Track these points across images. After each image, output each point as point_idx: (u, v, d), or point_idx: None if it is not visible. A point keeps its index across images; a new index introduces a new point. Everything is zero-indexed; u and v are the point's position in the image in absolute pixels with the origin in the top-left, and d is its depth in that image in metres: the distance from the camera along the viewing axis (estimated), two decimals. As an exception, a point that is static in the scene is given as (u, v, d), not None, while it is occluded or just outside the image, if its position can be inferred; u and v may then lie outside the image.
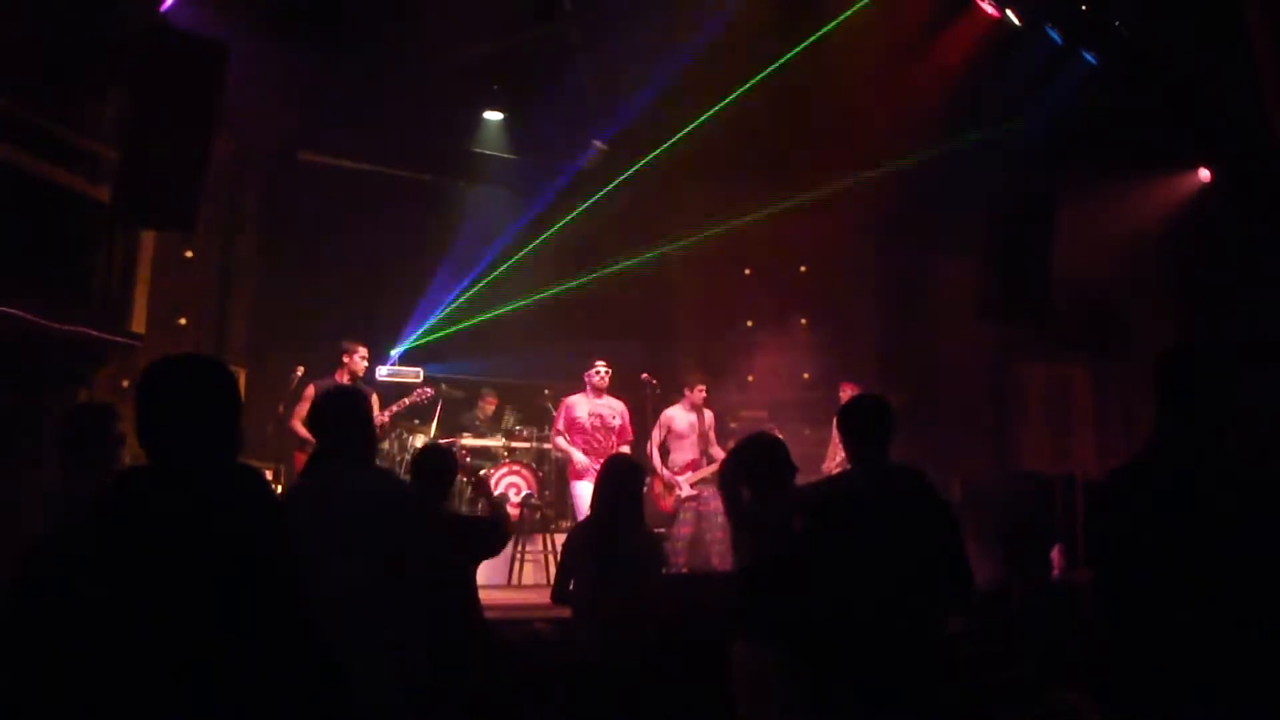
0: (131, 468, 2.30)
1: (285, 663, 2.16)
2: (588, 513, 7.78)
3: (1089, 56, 9.09)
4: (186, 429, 2.24)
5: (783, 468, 4.52)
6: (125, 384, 8.08)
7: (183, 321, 9.13)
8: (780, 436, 4.98)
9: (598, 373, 8.59)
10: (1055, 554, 8.51)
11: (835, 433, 9.70)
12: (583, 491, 8.16)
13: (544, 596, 8.45)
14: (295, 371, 8.45)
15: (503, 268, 11.56)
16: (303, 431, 7.80)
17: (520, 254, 11.62)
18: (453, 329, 11.36)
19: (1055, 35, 9.02)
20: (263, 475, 2.89)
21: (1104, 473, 3.12)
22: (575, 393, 8.78)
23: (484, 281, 11.54)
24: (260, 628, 2.13)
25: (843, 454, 9.50)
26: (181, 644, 2.04)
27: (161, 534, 2.10)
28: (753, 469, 4.54)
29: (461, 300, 11.46)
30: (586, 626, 4.95)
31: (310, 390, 8.13)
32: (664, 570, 5.39)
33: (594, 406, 8.61)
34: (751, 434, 4.74)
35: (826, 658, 3.74)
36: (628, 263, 11.04)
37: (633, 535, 5.00)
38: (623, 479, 5.11)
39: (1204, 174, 9.28)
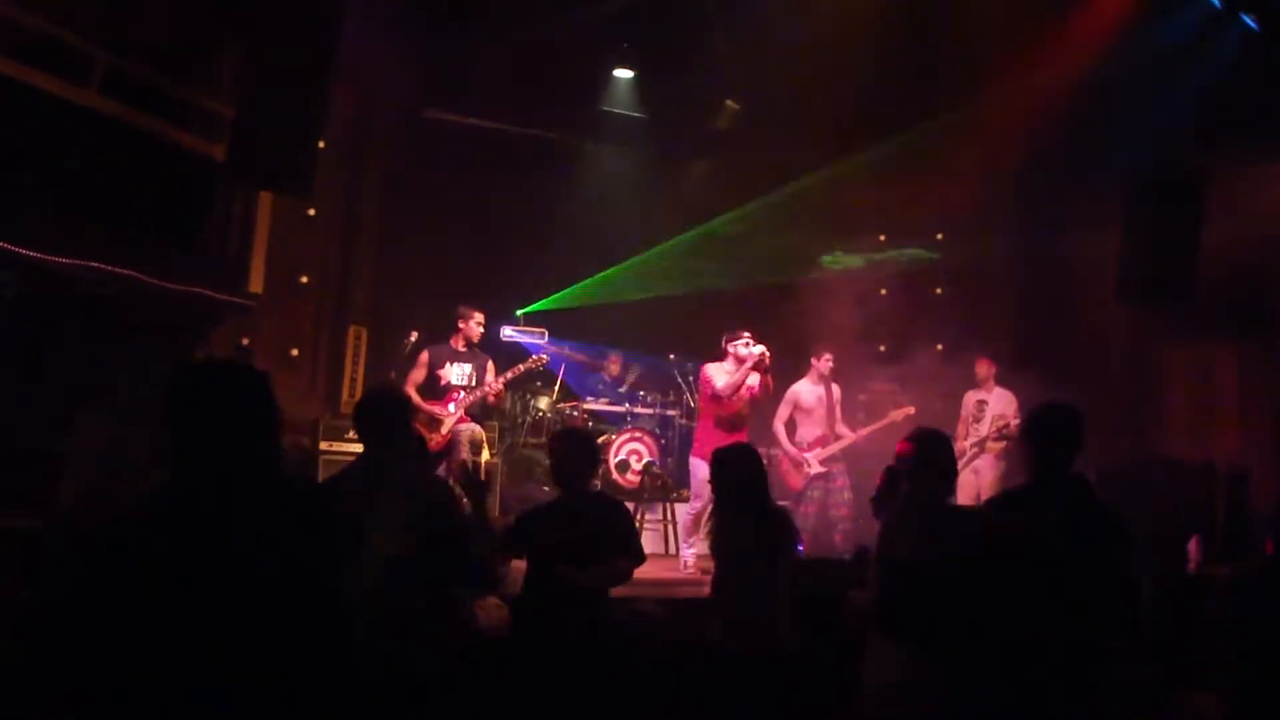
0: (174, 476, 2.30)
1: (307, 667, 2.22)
2: (706, 491, 7.60)
3: (1249, 20, 8.39)
4: (215, 439, 2.27)
5: (947, 470, 4.24)
6: (245, 341, 8.17)
7: (304, 280, 9.20)
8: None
9: (735, 344, 7.81)
10: (1192, 546, 8.10)
11: (966, 409, 9.27)
12: (696, 470, 7.81)
13: (662, 569, 8.26)
14: (409, 337, 8.35)
15: (643, 256, 11.43)
16: (415, 398, 7.70)
17: (659, 248, 11.47)
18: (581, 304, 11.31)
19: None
20: (300, 485, 2.81)
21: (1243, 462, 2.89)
22: (713, 360, 7.99)
23: (621, 266, 11.39)
24: (283, 635, 2.19)
25: (975, 431, 9.07)
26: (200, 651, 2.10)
27: (186, 540, 2.16)
28: (918, 466, 4.17)
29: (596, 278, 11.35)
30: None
31: (425, 356, 8.05)
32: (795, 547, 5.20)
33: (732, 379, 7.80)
34: (921, 430, 4.43)
35: (970, 670, 3.57)
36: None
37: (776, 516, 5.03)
38: (752, 465, 5.06)
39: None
